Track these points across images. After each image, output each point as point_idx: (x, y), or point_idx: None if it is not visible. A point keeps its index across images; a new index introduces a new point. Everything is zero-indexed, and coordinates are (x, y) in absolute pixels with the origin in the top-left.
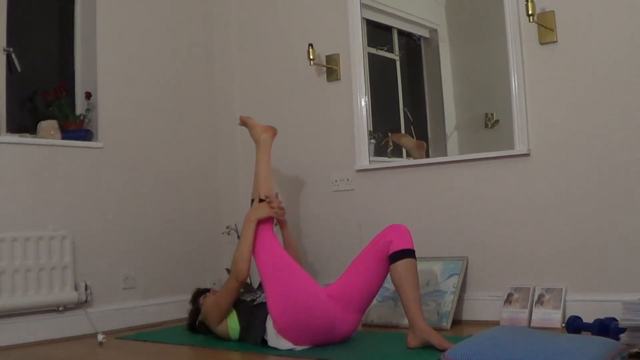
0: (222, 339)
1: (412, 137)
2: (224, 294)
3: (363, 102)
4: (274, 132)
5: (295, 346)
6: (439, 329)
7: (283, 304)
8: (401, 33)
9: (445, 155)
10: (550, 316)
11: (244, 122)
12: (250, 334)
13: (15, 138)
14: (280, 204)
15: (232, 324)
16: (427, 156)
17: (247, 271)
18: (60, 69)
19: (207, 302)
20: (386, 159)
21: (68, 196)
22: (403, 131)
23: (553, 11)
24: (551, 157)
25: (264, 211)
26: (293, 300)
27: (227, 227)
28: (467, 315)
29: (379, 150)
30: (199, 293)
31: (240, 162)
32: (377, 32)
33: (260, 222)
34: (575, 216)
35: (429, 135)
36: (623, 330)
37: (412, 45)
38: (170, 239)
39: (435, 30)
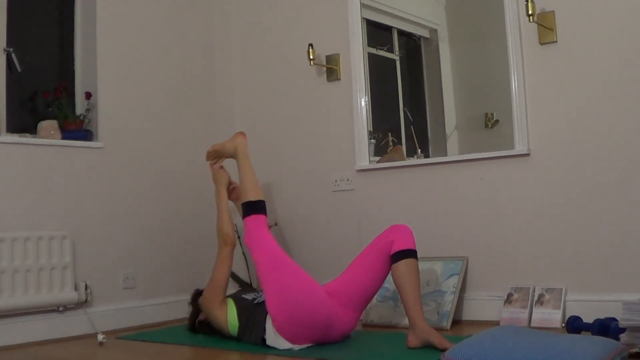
0: (222, 336)
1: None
2: (218, 264)
3: (363, 102)
4: (243, 134)
5: (293, 345)
6: (439, 329)
7: (279, 300)
8: (401, 33)
9: (445, 155)
10: (550, 316)
11: (213, 153)
12: (249, 333)
13: (15, 138)
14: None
15: (232, 320)
16: (427, 155)
17: (233, 233)
18: (60, 69)
19: (204, 293)
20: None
21: (68, 196)
22: (403, 131)
23: (553, 11)
24: (551, 157)
25: (216, 177)
26: (289, 296)
27: None
28: (467, 315)
29: (379, 150)
30: (198, 294)
31: None
32: (377, 32)
33: (258, 222)
34: (575, 216)
35: (429, 135)
36: (623, 330)
37: (412, 45)
38: (170, 239)
39: (435, 30)
